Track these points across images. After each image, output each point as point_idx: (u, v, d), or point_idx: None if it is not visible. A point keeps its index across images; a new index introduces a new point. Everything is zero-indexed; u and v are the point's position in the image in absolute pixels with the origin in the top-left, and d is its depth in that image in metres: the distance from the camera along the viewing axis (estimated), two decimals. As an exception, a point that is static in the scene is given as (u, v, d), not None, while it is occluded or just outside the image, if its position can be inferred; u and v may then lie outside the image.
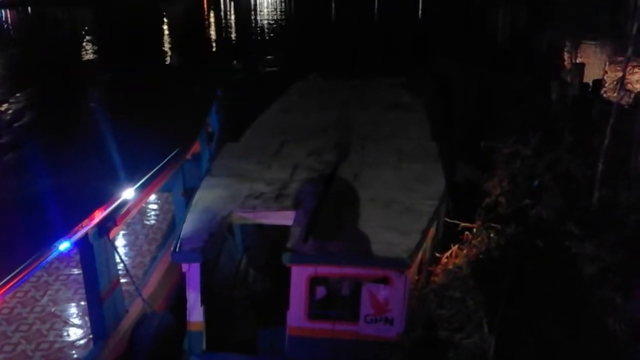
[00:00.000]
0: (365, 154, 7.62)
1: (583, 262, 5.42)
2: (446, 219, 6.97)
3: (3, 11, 52.02)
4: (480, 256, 5.99)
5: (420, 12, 47.60)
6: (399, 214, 5.98)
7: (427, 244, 6.01)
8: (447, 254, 6.44)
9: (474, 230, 6.67)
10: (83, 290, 6.30)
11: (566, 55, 11.74)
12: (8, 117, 9.15)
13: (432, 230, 6.17)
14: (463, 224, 6.82)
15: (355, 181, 6.76)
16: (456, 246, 6.52)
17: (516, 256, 5.72)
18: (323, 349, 5.56)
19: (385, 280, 5.32)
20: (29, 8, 53.76)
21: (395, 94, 10.84)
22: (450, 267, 6.07)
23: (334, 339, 5.52)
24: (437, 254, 6.53)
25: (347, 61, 22.12)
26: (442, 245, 6.77)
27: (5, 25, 45.70)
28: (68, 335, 6.28)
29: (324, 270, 5.47)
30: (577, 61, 10.95)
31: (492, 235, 6.24)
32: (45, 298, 6.90)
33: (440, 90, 12.58)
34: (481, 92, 12.89)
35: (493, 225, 6.42)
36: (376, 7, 53.35)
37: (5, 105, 9.95)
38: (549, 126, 8.25)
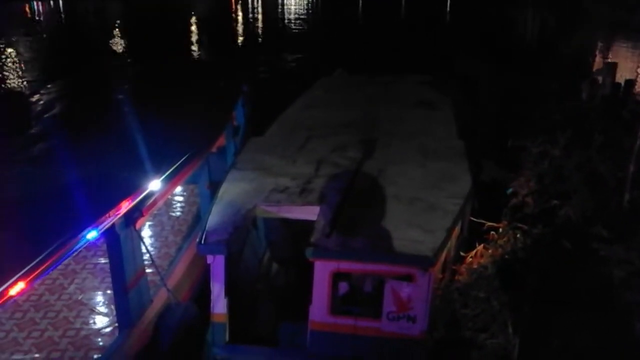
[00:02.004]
0: (391, 151, 7.58)
1: (611, 265, 5.32)
2: (471, 218, 6.92)
3: (35, 3, 53.04)
4: (506, 256, 5.93)
5: (448, 12, 47.16)
6: (423, 211, 5.94)
7: (452, 242, 5.96)
8: (472, 253, 6.38)
9: (500, 230, 6.60)
10: (109, 279, 6.41)
11: (597, 56, 11.55)
12: (39, 108, 9.28)
13: (457, 229, 6.12)
14: (489, 224, 6.74)
15: (380, 178, 6.73)
16: (481, 246, 6.46)
17: (542, 257, 5.64)
18: (345, 344, 5.56)
19: (408, 278, 5.29)
20: (60, 1, 54.71)
21: (421, 91, 10.76)
22: (475, 266, 6.01)
23: (356, 335, 5.52)
24: (462, 253, 6.48)
25: (373, 57, 22.05)
26: (467, 244, 6.71)
27: (37, 18, 46.55)
28: (94, 323, 6.40)
29: (346, 265, 5.46)
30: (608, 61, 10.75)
31: (518, 235, 6.17)
32: (73, 286, 7.03)
33: (467, 89, 12.47)
34: (508, 92, 12.74)
35: (519, 225, 6.35)
36: (404, 5, 53.02)
37: (36, 97, 10.10)
38: (579, 126, 8.11)
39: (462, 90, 11.80)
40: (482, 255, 6.27)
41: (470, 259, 6.28)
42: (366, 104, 9.93)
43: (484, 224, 6.78)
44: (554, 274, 5.38)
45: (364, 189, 6.49)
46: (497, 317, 5.02)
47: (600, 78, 10.76)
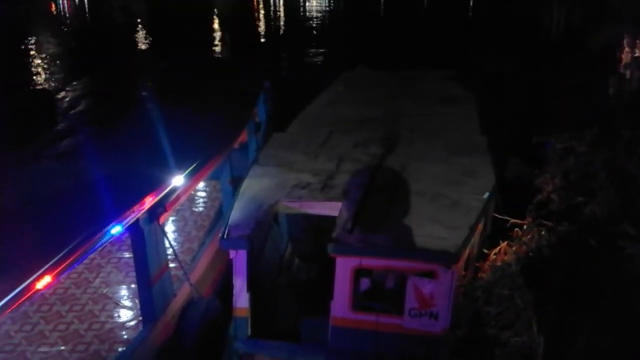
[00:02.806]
0: (413, 147, 7.54)
1: (638, 263, 5.21)
2: (495, 215, 6.84)
3: (60, 1, 53.89)
4: (530, 254, 5.84)
5: (471, 6, 46.62)
6: (446, 208, 5.89)
7: (475, 239, 5.90)
8: (496, 250, 6.31)
9: (524, 227, 6.50)
10: (133, 273, 6.49)
11: (625, 50, 11.31)
12: (65, 105, 9.49)
13: (480, 226, 6.06)
14: (513, 220, 6.66)
15: (402, 174, 6.70)
16: (505, 243, 6.38)
17: (568, 255, 5.54)
18: (366, 340, 5.55)
19: (431, 275, 5.26)
20: (85, -1, 55.47)
21: (444, 86, 10.67)
22: (499, 263, 5.94)
23: (378, 332, 5.50)
24: (485, 250, 6.41)
25: (396, 53, 21.92)
26: (490, 241, 6.63)
27: (63, 15, 47.28)
28: (119, 316, 6.50)
29: (368, 262, 5.45)
30: (637, 55, 10.52)
31: (543, 232, 6.07)
32: (98, 280, 7.15)
33: (491, 84, 12.32)
34: (533, 87, 12.57)
35: (544, 222, 6.25)
36: (426, 0, 52.57)
37: (62, 93, 10.31)
38: (605, 122, 7.95)
39: (486, 86, 11.67)
40: (505, 253, 6.19)
41: (494, 256, 6.21)
42: (388, 99, 9.87)
43: (507, 220, 6.69)
44: (579, 271, 5.29)
45: (386, 185, 6.47)
46: (521, 315, 4.95)
47: (628, 73, 10.54)
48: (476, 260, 6.22)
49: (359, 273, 5.50)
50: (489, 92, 11.44)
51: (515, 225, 6.62)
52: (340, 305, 5.58)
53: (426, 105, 9.44)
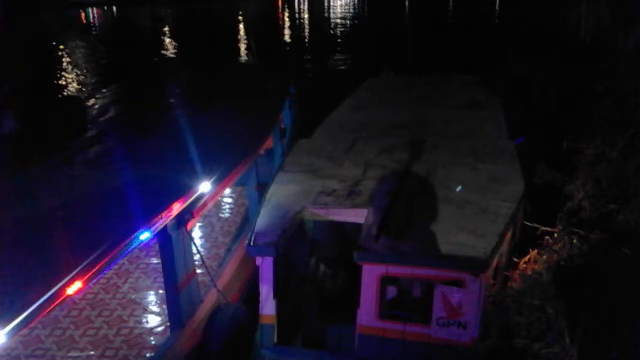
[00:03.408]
0: (439, 153, 7.46)
1: (675, 274, 5.06)
2: (524, 222, 6.72)
3: (90, 10, 55.03)
4: (562, 262, 5.72)
5: (497, 10, 46.17)
6: (474, 215, 5.81)
7: (504, 247, 5.81)
8: (526, 258, 6.19)
9: (555, 235, 6.37)
10: (161, 279, 6.55)
11: (659, 52, 11.05)
12: (95, 112, 9.61)
13: (509, 234, 5.96)
14: (542, 228, 6.53)
15: (429, 180, 6.64)
16: (535, 251, 6.26)
17: (601, 264, 5.42)
18: (393, 349, 5.50)
19: (459, 283, 5.18)
20: (114, 7, 56.56)
21: (471, 91, 10.56)
22: (529, 272, 5.83)
23: (405, 340, 5.44)
24: (515, 259, 6.30)
25: (421, 57, 21.80)
26: (519, 249, 6.52)
27: (93, 24, 48.27)
28: (147, 322, 6.56)
29: (395, 270, 5.39)
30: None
31: (574, 241, 5.95)
32: (126, 285, 7.23)
33: (519, 88, 12.15)
34: (562, 91, 12.34)
35: (576, 230, 6.12)
36: (451, 4, 52.25)
37: (92, 101, 10.47)
38: (638, 127, 7.77)
39: (514, 90, 11.52)
40: (536, 261, 6.07)
41: (524, 265, 6.10)
42: (414, 104, 9.81)
43: (537, 228, 6.57)
44: (612, 281, 5.16)
45: (412, 191, 6.41)
46: (553, 326, 4.84)
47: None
48: (505, 268, 6.11)
49: (385, 281, 5.45)
50: (516, 97, 11.29)
51: (545, 233, 6.50)
52: (367, 313, 5.54)
53: (452, 111, 9.36)
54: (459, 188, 6.20)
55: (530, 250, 6.31)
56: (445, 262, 5.17)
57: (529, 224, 6.67)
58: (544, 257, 6.04)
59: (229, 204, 9.48)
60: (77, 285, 4.43)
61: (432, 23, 38.22)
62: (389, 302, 5.53)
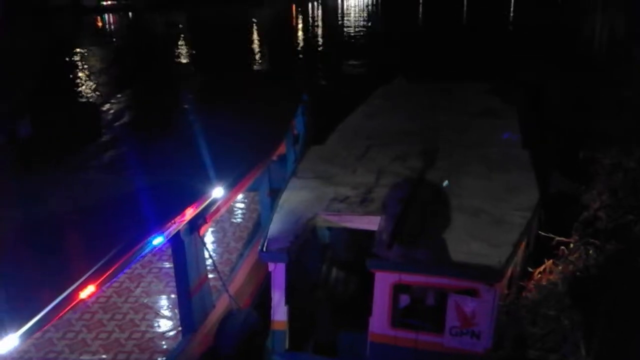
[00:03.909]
0: (453, 161, 7.42)
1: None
2: (539, 232, 6.65)
3: (106, 15, 55.59)
4: (578, 273, 5.64)
5: (511, 18, 45.99)
6: (488, 224, 5.76)
7: (518, 257, 5.75)
8: (541, 269, 6.12)
9: (570, 245, 6.30)
10: (173, 284, 6.56)
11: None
12: (110, 117, 9.70)
13: (524, 244, 5.90)
14: (558, 238, 6.46)
15: (442, 188, 6.60)
16: (550, 261, 6.18)
17: (617, 275, 5.34)
18: (405, 358, 5.45)
19: (473, 293, 5.13)
20: (130, 13, 57.11)
21: (484, 99, 10.50)
22: (544, 283, 5.76)
23: (417, 349, 5.40)
24: (529, 269, 6.23)
25: (434, 64, 21.76)
26: (533, 259, 6.45)
27: (108, 29, 48.76)
28: (159, 326, 6.57)
29: (408, 278, 5.36)
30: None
31: (590, 251, 5.87)
32: (139, 289, 7.25)
33: (533, 97, 12.06)
34: (577, 100, 12.25)
35: (592, 240, 6.04)
36: (465, 11, 52.15)
37: (107, 106, 10.57)
38: (656, 136, 7.68)
39: (528, 99, 11.43)
40: (551, 272, 6.00)
41: (539, 275, 6.03)
42: (427, 112, 9.78)
43: (552, 238, 6.49)
44: (629, 292, 5.08)
45: (425, 199, 6.37)
46: (569, 337, 4.77)
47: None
48: (519, 278, 6.04)
49: (398, 289, 5.42)
50: (531, 105, 11.21)
51: (560, 243, 6.42)
52: (379, 321, 5.51)
53: (466, 118, 9.31)
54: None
55: (546, 261, 6.24)
56: (460, 271, 5.13)
57: (544, 233, 6.60)
58: (560, 267, 5.97)
59: (241, 209, 9.49)
60: (90, 289, 4.44)
61: (446, 29, 38.15)
62: (402, 311, 5.49)
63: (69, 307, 4.32)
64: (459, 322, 5.21)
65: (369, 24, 46.32)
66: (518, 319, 5.25)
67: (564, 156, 9.23)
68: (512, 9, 50.09)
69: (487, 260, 5.12)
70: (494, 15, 45.27)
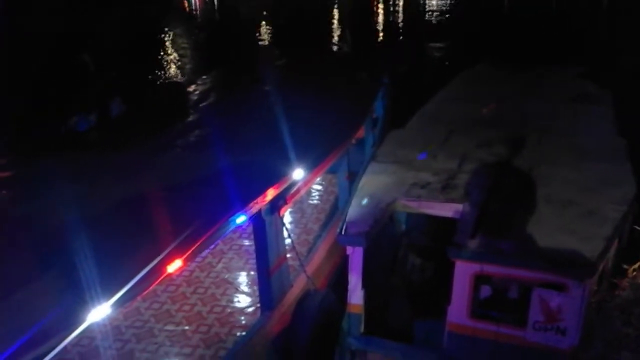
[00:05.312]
0: (542, 149, 7.08)
1: None
2: (634, 227, 6.24)
3: (193, -1, 57.13)
4: (677, 272, 5.27)
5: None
6: (579, 217, 5.47)
7: (611, 252, 5.42)
8: (635, 266, 5.75)
9: (670, 241, 5.87)
10: (253, 261, 6.75)
11: None
12: (195, 98, 10.03)
13: (616, 238, 5.55)
14: (656, 234, 6.03)
15: (530, 177, 6.32)
16: (647, 258, 5.80)
17: None
18: (484, 350, 5.33)
19: (559, 287, 4.91)
20: (215, -3, 58.42)
21: (576, 84, 9.93)
22: (640, 281, 5.42)
23: (497, 342, 5.26)
24: (625, 266, 5.87)
25: (520, 49, 20.81)
26: (628, 256, 6.06)
27: (195, 12, 50.23)
28: (238, 301, 6.78)
29: (491, 269, 5.20)
30: None
31: (693, 249, 5.45)
32: (220, 265, 7.51)
33: (631, 82, 11.30)
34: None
35: (695, 237, 5.60)
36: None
37: (193, 87, 10.92)
38: None
39: (624, 84, 10.71)
40: (647, 269, 5.63)
41: (634, 273, 5.67)
42: (514, 97, 9.37)
43: (648, 233, 6.08)
44: None
45: (511, 188, 6.14)
46: (665, 340, 4.48)
47: None
48: (612, 275, 5.71)
49: (479, 280, 5.27)
50: (627, 91, 10.49)
51: (659, 239, 6.00)
52: (458, 311, 5.40)
53: (556, 104, 8.84)
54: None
55: (642, 257, 5.85)
56: (548, 264, 4.90)
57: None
58: (657, 265, 5.59)
59: (319, 191, 9.57)
60: (177, 263, 4.63)
61: (534, 12, 36.32)
62: (482, 302, 5.35)
63: (157, 280, 4.52)
64: (543, 317, 5.01)
65: (452, 9, 44.90)
66: (610, 318, 4.97)
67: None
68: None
69: (577, 254, 4.86)
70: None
